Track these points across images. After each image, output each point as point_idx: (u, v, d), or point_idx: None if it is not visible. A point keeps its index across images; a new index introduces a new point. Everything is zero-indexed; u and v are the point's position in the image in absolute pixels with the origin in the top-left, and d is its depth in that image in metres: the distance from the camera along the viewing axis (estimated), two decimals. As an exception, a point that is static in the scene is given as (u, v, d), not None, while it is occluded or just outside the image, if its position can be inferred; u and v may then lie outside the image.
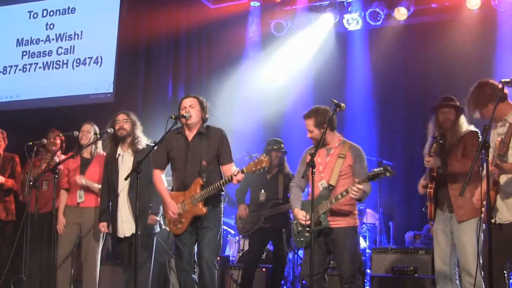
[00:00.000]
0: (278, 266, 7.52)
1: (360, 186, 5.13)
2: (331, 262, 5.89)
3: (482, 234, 4.94)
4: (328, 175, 5.48)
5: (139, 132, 6.30)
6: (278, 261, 7.52)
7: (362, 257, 8.52)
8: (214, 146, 5.60)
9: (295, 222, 5.65)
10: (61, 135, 6.90)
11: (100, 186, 6.52)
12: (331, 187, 5.43)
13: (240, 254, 8.68)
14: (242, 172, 5.32)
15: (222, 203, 5.75)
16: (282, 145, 7.54)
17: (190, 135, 5.65)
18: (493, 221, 4.59)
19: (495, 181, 4.63)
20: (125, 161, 6.17)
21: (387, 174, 5.00)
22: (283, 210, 7.36)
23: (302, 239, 5.51)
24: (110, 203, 6.24)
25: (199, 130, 5.63)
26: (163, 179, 5.76)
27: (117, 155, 6.22)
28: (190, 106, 5.61)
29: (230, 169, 5.58)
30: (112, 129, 6.23)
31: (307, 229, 5.37)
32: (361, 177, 5.23)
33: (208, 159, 5.55)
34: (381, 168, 5.04)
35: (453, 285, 5.50)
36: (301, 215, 5.49)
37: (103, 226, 6.23)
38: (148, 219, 5.99)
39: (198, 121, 5.64)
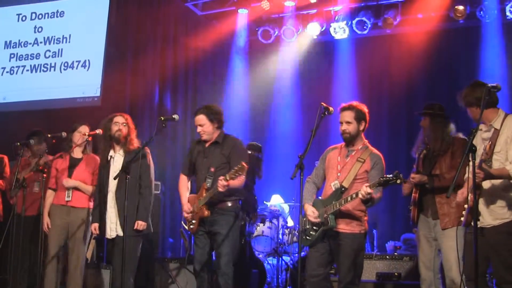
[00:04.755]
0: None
1: (368, 190, 4.95)
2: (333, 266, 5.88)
3: (462, 239, 4.99)
4: (344, 176, 5.37)
5: (133, 135, 6.36)
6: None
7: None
8: (225, 153, 5.86)
9: (304, 218, 5.50)
10: (49, 135, 6.89)
11: (88, 187, 6.60)
12: (343, 189, 5.29)
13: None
14: (225, 179, 5.46)
15: (237, 209, 5.88)
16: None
17: (208, 144, 5.96)
18: (475, 225, 4.64)
19: (477, 185, 4.68)
20: (115, 163, 6.21)
21: (398, 181, 4.89)
22: None
23: (308, 237, 5.42)
24: (99, 205, 6.27)
25: (216, 139, 5.93)
26: (187, 184, 6.11)
27: (109, 157, 6.27)
28: (199, 126, 5.91)
29: None
30: (102, 130, 6.29)
31: (314, 227, 5.36)
32: (372, 182, 5.08)
33: (218, 166, 5.82)
34: (392, 176, 4.88)
35: (437, 290, 5.57)
36: (310, 211, 5.38)
37: (95, 228, 6.24)
38: (134, 223, 6.00)
39: (213, 133, 5.92)
